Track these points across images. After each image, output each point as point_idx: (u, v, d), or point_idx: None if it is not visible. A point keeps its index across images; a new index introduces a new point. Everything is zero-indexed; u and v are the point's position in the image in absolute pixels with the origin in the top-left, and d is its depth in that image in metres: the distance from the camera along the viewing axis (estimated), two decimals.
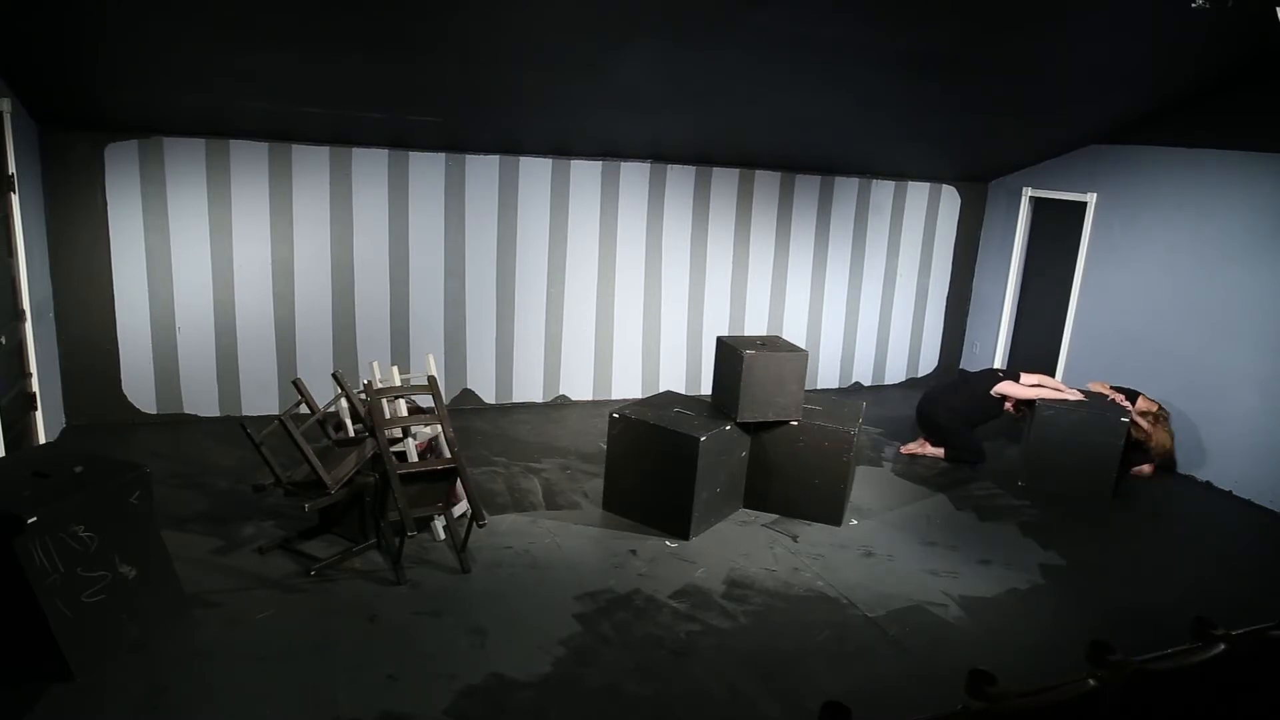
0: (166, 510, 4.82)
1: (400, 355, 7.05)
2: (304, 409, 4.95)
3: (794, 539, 5.32)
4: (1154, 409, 6.76)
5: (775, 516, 5.59)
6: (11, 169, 5.16)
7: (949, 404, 6.74)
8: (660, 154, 7.46)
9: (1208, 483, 6.76)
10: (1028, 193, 8.42)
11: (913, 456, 6.91)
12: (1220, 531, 5.99)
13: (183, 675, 3.60)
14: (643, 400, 5.78)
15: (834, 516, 5.52)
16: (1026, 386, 6.52)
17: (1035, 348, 8.37)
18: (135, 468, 3.94)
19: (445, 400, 6.37)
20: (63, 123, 5.85)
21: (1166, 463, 6.83)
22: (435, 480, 4.67)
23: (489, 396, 7.50)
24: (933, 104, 6.57)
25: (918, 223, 8.76)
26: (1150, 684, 2.31)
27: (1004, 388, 6.56)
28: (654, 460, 5.27)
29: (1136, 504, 6.30)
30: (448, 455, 4.85)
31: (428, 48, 5.08)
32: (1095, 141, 7.65)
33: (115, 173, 6.09)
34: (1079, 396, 6.39)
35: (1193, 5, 4.49)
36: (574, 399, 7.78)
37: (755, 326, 8.28)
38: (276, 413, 5.88)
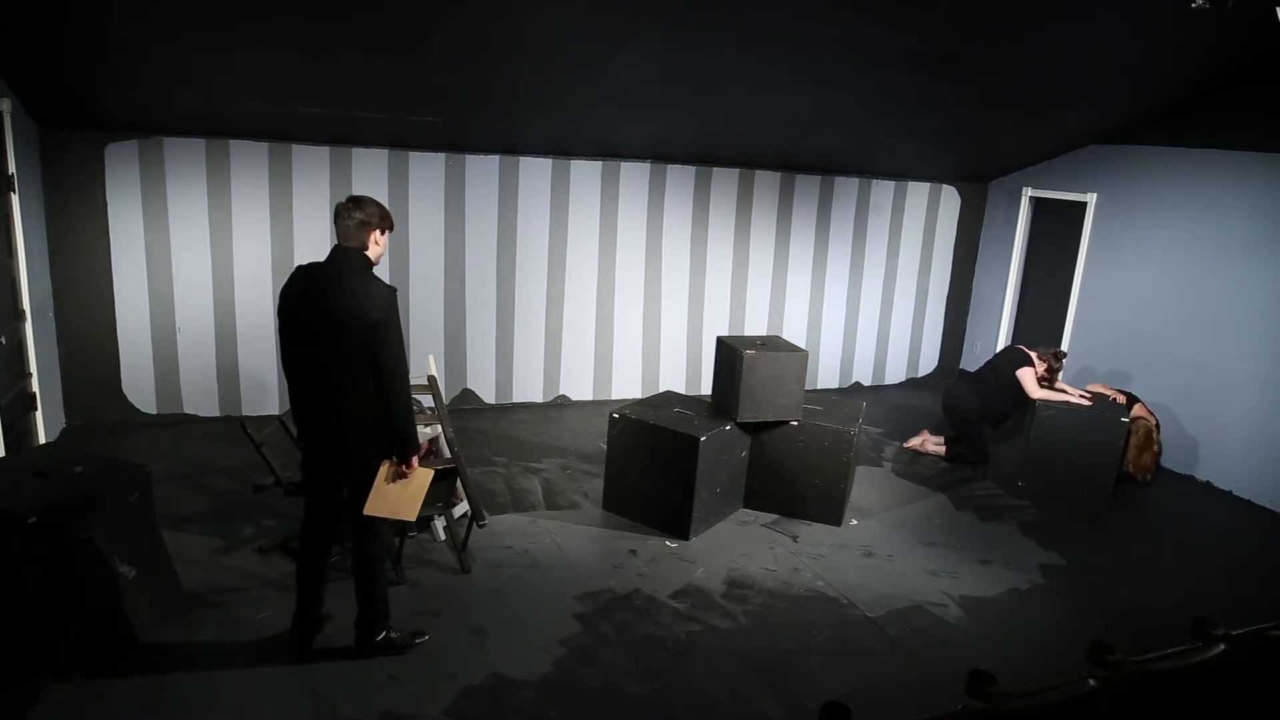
0: (166, 510, 4.81)
1: None
2: None
3: (794, 539, 5.32)
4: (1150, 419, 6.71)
5: (775, 516, 5.59)
6: (11, 169, 5.15)
7: (974, 392, 6.66)
8: (660, 154, 7.46)
9: (1208, 483, 6.76)
10: (1028, 193, 8.42)
11: (913, 454, 6.91)
12: (1220, 531, 5.99)
13: (183, 675, 3.60)
14: (643, 400, 5.78)
15: (834, 516, 5.52)
16: (1040, 387, 6.46)
17: (1035, 348, 8.35)
18: (135, 468, 3.95)
19: (445, 400, 6.37)
20: (63, 123, 5.85)
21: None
22: (435, 480, 4.65)
23: (489, 396, 7.50)
24: (933, 104, 6.57)
25: (918, 223, 8.76)
26: (1150, 684, 2.31)
27: (1024, 375, 6.50)
28: (654, 460, 5.26)
29: (1136, 504, 6.30)
30: (448, 455, 4.85)
31: (427, 48, 5.08)
32: (1095, 141, 7.65)
33: (115, 173, 6.09)
34: (1081, 395, 6.40)
35: (1193, 5, 4.49)
36: (574, 399, 7.78)
37: (755, 326, 8.28)
38: (276, 413, 5.89)
